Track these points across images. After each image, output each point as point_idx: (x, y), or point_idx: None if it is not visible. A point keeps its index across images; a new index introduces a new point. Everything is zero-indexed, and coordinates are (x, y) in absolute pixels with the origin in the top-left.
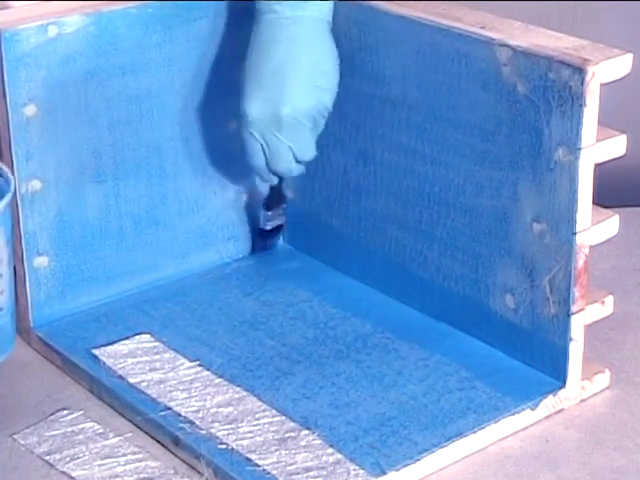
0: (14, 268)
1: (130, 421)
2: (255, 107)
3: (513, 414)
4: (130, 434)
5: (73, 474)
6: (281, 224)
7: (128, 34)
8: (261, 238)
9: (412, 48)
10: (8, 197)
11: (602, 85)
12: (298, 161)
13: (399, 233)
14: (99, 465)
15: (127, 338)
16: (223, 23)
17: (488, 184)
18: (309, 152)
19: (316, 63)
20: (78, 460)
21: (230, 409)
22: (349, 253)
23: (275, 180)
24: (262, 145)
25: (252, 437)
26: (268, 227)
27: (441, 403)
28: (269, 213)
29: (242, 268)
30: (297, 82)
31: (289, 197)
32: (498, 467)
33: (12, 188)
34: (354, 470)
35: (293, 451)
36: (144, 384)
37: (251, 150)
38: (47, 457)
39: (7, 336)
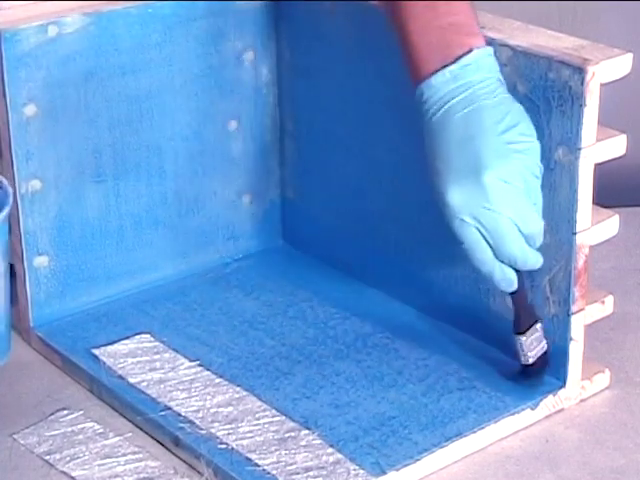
0: (14, 267)
1: (130, 421)
2: (455, 191)
3: (513, 414)
4: (130, 434)
5: (73, 474)
6: (545, 351)
7: (128, 34)
8: (525, 375)
9: None
10: (6, 210)
11: (602, 85)
12: (527, 241)
13: (399, 233)
14: (99, 465)
15: (127, 338)
16: (223, 23)
17: None
18: (533, 221)
19: (501, 121)
20: (78, 460)
21: (230, 409)
22: (349, 253)
23: (512, 276)
24: (479, 230)
25: (252, 437)
26: (531, 360)
27: (441, 403)
28: (524, 339)
29: (242, 268)
30: (488, 144)
31: (289, 197)
32: (498, 467)
33: (10, 200)
34: (354, 470)
35: (293, 451)
36: (144, 384)
37: (470, 242)
38: (47, 457)
39: (2, 347)
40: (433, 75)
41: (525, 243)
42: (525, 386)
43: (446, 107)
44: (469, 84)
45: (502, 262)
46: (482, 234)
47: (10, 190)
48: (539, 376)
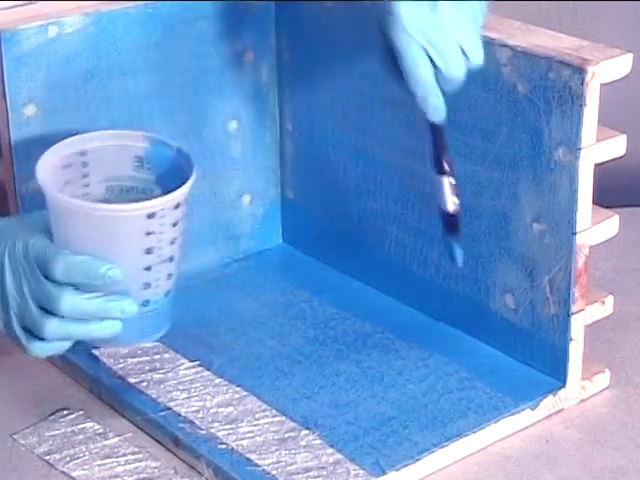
0: None
1: (130, 421)
2: (407, 4)
3: (513, 414)
4: (130, 434)
5: (73, 474)
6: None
7: (128, 34)
8: (445, 227)
9: None
10: (193, 177)
11: (602, 85)
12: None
13: (399, 233)
14: (99, 465)
15: None
16: (223, 23)
17: (488, 184)
18: (478, 51)
19: None
20: (78, 460)
21: (230, 409)
22: (349, 253)
23: (442, 103)
24: (424, 48)
25: (252, 437)
26: (451, 208)
27: (441, 403)
28: (445, 179)
29: (242, 268)
30: None
31: (289, 197)
32: (498, 467)
33: (194, 168)
34: (354, 470)
35: (293, 451)
36: (144, 384)
37: (413, 59)
38: (47, 457)
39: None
40: None
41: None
42: (524, 386)
43: None
44: None
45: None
46: (427, 53)
47: (192, 160)
48: (455, 233)
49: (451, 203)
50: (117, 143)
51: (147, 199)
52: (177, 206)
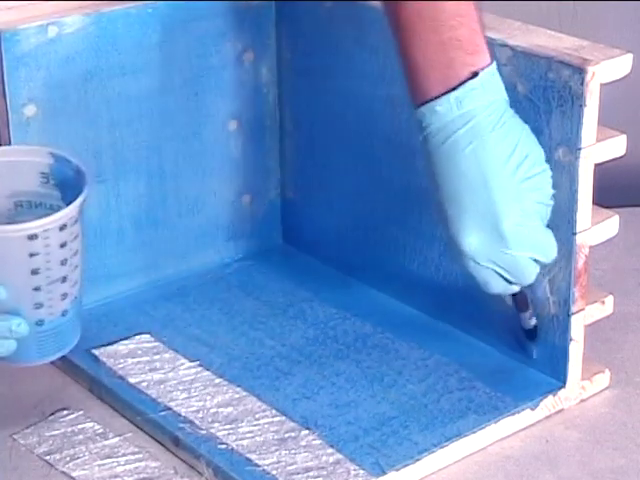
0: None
1: (130, 421)
2: (472, 238)
3: (513, 414)
4: (130, 434)
5: (73, 474)
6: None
7: (128, 34)
8: (531, 336)
9: None
10: (85, 192)
11: (602, 85)
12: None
13: (399, 233)
14: (99, 465)
15: (127, 338)
16: (223, 23)
17: None
18: (551, 250)
19: (513, 153)
20: (78, 460)
21: (230, 409)
22: (349, 253)
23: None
24: (495, 270)
25: (252, 437)
26: (533, 322)
27: (441, 403)
28: (528, 313)
29: (242, 268)
30: (502, 187)
31: (289, 197)
32: (498, 467)
33: (87, 180)
34: (354, 470)
35: (293, 451)
36: (144, 384)
37: (484, 279)
38: (47, 457)
39: (80, 324)
40: (435, 99)
41: (538, 267)
42: (524, 386)
43: (452, 139)
44: (474, 111)
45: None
46: (498, 273)
47: (85, 171)
48: (536, 339)
49: (532, 322)
50: (22, 159)
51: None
52: (63, 227)
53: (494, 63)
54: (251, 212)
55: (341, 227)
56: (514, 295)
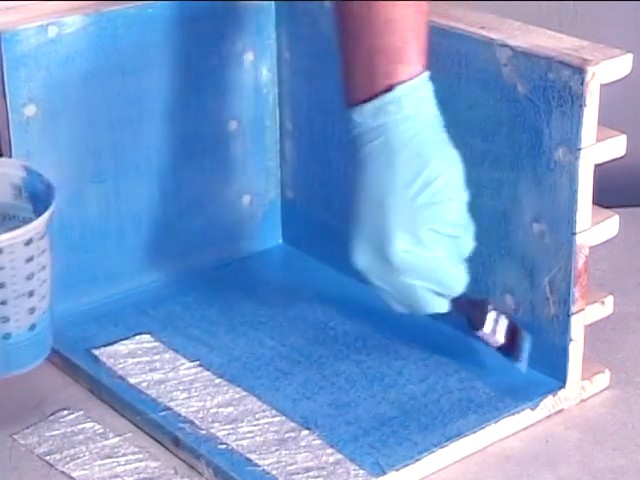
0: None
1: (130, 421)
2: (360, 254)
3: (513, 414)
4: (130, 434)
5: (73, 474)
6: (508, 323)
7: (128, 34)
8: (507, 354)
9: None
10: (53, 206)
11: (602, 85)
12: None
13: None
14: (99, 465)
15: (127, 338)
16: (223, 23)
17: (488, 184)
18: (453, 283)
19: (418, 176)
20: (78, 460)
21: (230, 409)
22: (349, 253)
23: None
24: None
25: (252, 437)
26: (501, 340)
27: (441, 403)
28: (483, 331)
29: (242, 268)
30: (398, 207)
31: (289, 197)
32: (498, 467)
33: (55, 194)
34: (354, 470)
35: (293, 451)
36: (144, 384)
37: (386, 297)
38: (47, 457)
39: (49, 337)
40: (356, 107)
41: (440, 298)
42: (524, 386)
43: (365, 150)
44: (387, 126)
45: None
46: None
47: (53, 185)
48: (521, 347)
49: (499, 339)
50: None
51: None
52: (29, 242)
53: (423, 76)
54: (251, 212)
55: (341, 227)
56: (459, 312)
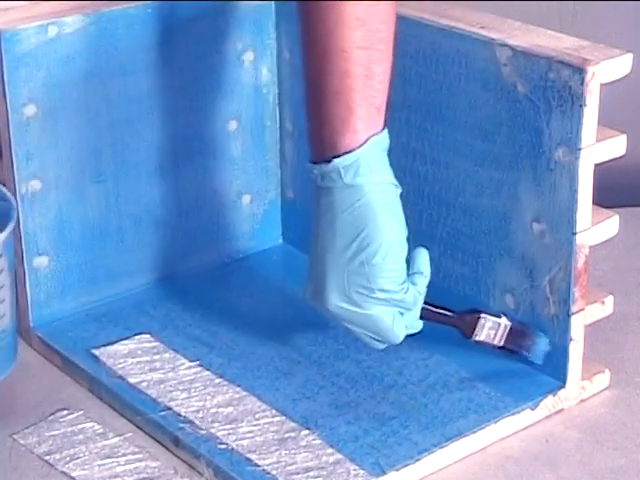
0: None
1: (130, 421)
2: (309, 291)
3: (513, 414)
4: (130, 434)
5: (73, 474)
6: (510, 326)
7: (128, 34)
8: (511, 353)
9: (412, 48)
10: (11, 226)
11: (602, 85)
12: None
13: None
14: (99, 465)
15: (127, 338)
16: (223, 23)
17: (488, 184)
18: (387, 338)
19: (354, 240)
20: (78, 460)
21: (230, 409)
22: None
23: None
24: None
25: (252, 437)
26: (501, 343)
27: (441, 403)
28: (477, 338)
29: (242, 268)
30: (334, 265)
31: (289, 197)
32: (498, 467)
33: (14, 215)
34: (354, 470)
35: (293, 451)
36: (144, 384)
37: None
38: (47, 457)
39: (9, 355)
40: (311, 164)
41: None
42: (524, 386)
43: (316, 202)
44: (331, 190)
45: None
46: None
47: (14, 203)
48: (525, 347)
49: (498, 342)
50: None
51: None
52: None
53: (368, 143)
54: (251, 212)
55: None
56: (449, 324)
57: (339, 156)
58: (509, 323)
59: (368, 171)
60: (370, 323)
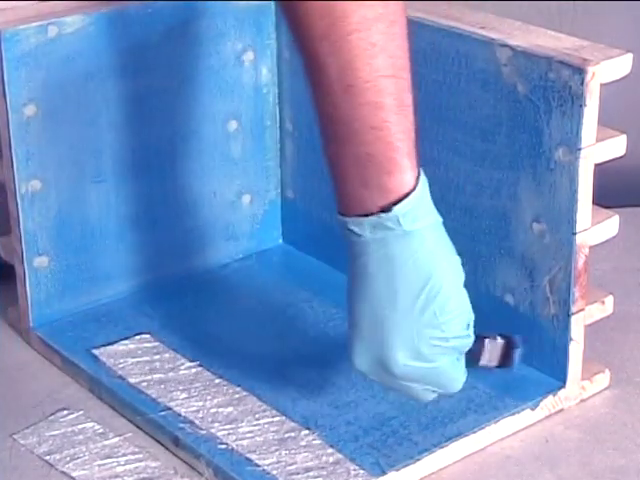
0: (13, 267)
1: (130, 421)
2: (362, 360)
3: (513, 414)
4: (130, 434)
5: (73, 474)
6: (504, 343)
7: (128, 34)
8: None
9: (412, 48)
10: None
11: (602, 85)
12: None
13: None
14: (99, 465)
15: (127, 338)
16: (223, 23)
17: (488, 184)
18: (452, 386)
19: (421, 292)
20: (78, 460)
21: (230, 409)
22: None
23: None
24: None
25: (252, 437)
26: (497, 362)
27: (441, 403)
28: (483, 362)
29: (242, 268)
30: (400, 329)
31: (289, 197)
32: (498, 467)
33: None
34: (354, 470)
35: (293, 451)
36: (144, 384)
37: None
38: (47, 457)
39: None
40: (352, 217)
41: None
42: (524, 386)
43: (362, 260)
44: (387, 239)
45: None
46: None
47: None
48: (513, 358)
49: (494, 361)
50: None
51: None
52: None
53: (420, 185)
54: (251, 212)
55: None
56: None
57: (396, 202)
58: (502, 341)
59: (424, 213)
60: (437, 375)
